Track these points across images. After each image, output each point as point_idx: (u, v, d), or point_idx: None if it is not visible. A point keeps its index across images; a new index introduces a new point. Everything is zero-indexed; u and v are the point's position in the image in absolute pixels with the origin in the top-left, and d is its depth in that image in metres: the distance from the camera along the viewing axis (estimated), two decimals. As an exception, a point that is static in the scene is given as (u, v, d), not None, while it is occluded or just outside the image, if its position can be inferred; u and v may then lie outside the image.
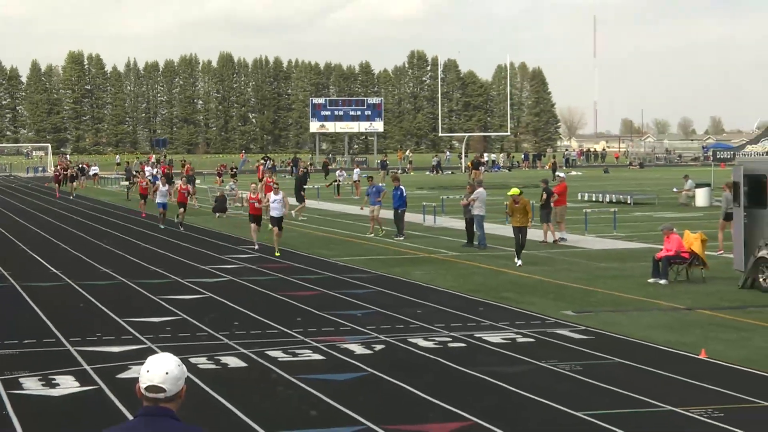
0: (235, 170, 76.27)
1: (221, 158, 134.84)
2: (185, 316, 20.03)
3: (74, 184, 70.68)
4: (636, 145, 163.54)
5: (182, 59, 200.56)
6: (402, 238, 34.98)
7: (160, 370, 5.30)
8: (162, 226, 40.78)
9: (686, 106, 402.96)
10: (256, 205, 33.30)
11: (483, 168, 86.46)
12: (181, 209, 41.51)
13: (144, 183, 51.39)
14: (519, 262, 27.78)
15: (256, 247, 32.49)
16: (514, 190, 29.17)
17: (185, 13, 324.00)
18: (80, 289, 23.99)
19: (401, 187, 36.80)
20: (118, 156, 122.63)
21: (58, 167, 76.45)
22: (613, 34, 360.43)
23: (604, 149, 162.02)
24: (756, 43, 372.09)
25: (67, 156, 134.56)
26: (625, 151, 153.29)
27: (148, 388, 5.30)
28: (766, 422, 12.08)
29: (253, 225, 33.28)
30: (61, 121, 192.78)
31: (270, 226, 32.83)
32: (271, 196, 32.89)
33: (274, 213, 32.15)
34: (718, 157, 65.48)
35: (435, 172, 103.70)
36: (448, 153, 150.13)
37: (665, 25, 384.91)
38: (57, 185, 71.08)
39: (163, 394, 5.29)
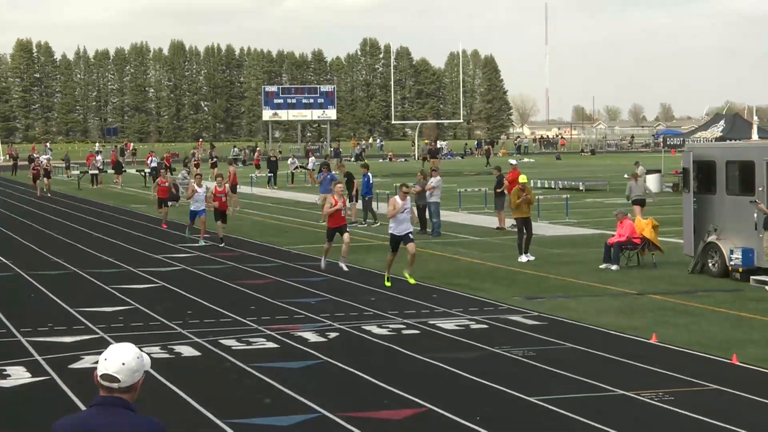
0: (192, 160, 73.75)
1: (173, 147, 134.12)
2: (138, 305, 19.93)
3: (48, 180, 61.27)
4: (588, 132, 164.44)
5: (133, 47, 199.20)
6: (378, 224, 34.90)
7: (116, 360, 5.30)
8: (202, 242, 30.78)
9: (637, 93, 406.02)
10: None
11: (440, 156, 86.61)
12: (220, 220, 31.88)
13: (166, 183, 39.60)
14: (525, 258, 25.93)
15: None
16: (523, 178, 28.71)
17: (135, 1, 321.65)
18: (31, 279, 23.79)
19: (369, 174, 36.88)
20: (97, 144, 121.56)
21: (35, 163, 64.27)
22: (564, 21, 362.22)
23: (556, 136, 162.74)
24: (704, 30, 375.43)
25: (14, 145, 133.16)
26: (560, 139, 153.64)
27: (103, 377, 5.30)
28: (715, 405, 12.23)
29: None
30: (9, 110, 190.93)
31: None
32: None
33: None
34: (668, 143, 65.94)
35: (357, 160, 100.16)
36: (379, 141, 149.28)
37: (616, 13, 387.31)
38: (35, 182, 59.35)
39: (117, 384, 5.28)
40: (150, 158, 68.93)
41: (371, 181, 36.78)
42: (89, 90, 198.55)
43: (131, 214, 42.89)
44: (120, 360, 5.30)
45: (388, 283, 22.04)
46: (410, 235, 22.25)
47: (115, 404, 5.28)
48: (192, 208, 31.48)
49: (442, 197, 34.43)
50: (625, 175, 57.30)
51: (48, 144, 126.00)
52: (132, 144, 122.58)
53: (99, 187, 63.06)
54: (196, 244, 30.23)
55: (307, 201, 47.76)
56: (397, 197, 22.71)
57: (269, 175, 61.33)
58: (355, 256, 27.15)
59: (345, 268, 23.84)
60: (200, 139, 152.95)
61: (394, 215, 22.18)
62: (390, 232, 22.50)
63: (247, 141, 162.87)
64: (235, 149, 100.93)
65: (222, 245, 29.84)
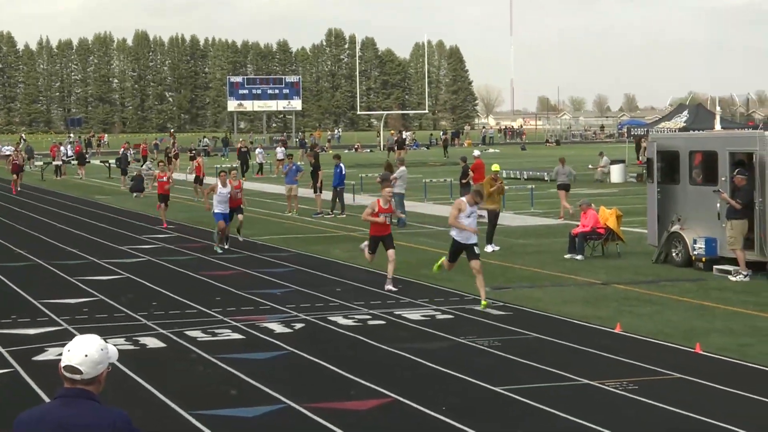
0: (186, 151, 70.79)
1: (137, 137, 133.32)
2: (102, 296, 19.84)
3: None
4: (552, 123, 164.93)
5: (96, 37, 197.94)
6: (344, 216, 34.91)
7: (79, 352, 5.28)
8: (219, 250, 26.88)
9: (601, 83, 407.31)
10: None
11: (406, 147, 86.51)
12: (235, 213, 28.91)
13: (165, 177, 34.95)
14: (491, 248, 25.80)
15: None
16: (496, 167, 28.66)
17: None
18: (-6, 271, 23.62)
19: (341, 164, 36.91)
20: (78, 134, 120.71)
21: (12, 155, 57.16)
22: (529, 12, 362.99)
23: (521, 126, 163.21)
24: (668, 22, 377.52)
25: None
26: (519, 129, 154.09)
27: (66, 368, 5.29)
28: (679, 393, 12.32)
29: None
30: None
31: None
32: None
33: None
34: (632, 133, 66.25)
35: (306, 151, 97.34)
36: (337, 132, 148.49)
37: (580, 4, 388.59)
38: (16, 177, 52.80)
39: (80, 376, 5.27)
40: (123, 149, 66.72)
41: (343, 172, 36.79)
42: (52, 80, 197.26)
43: (95, 206, 42.65)
44: (83, 352, 5.28)
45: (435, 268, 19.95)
46: (476, 248, 18.90)
47: (79, 396, 5.28)
48: (216, 211, 27.13)
49: (407, 188, 34.46)
50: (590, 166, 57.64)
51: (23, 135, 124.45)
52: (105, 135, 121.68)
53: (63, 178, 62.66)
54: (220, 251, 26.52)
55: (273, 192, 47.68)
56: (464, 199, 19.36)
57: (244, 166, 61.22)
58: (320, 246, 27.15)
59: (393, 288, 19.99)
60: (171, 130, 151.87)
61: (455, 223, 18.87)
62: (452, 236, 19.20)
63: (212, 132, 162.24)
64: (205, 140, 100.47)
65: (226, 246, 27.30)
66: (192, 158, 61.01)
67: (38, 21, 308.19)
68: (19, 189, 51.59)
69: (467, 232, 18.65)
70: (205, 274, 22.66)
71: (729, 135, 25.64)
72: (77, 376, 5.28)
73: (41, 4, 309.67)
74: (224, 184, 27.32)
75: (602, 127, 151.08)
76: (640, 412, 11.69)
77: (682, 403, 11.85)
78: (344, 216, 35.00)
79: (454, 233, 19.03)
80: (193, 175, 45.73)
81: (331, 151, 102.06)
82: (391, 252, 20.14)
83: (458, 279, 21.42)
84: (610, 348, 14.80)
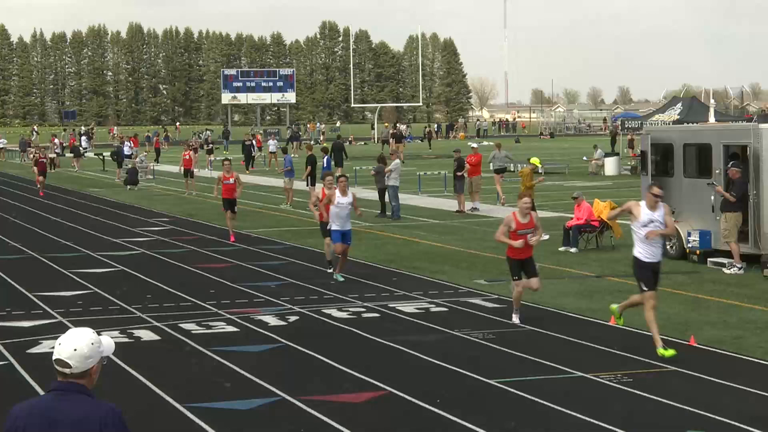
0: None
1: (132, 130, 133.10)
2: (97, 289, 19.82)
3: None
4: (546, 115, 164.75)
5: (90, 30, 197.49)
6: None
7: (69, 346, 5.29)
8: (341, 278, 20.68)
9: (595, 76, 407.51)
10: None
11: (404, 141, 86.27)
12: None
13: (232, 179, 27.93)
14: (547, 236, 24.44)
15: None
16: (536, 160, 28.77)
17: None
18: (-12, 264, 23.59)
19: (328, 157, 36.99)
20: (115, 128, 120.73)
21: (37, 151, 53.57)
22: (522, 5, 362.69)
23: (515, 119, 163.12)
24: (662, 14, 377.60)
25: None
26: (512, 122, 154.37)
27: (56, 362, 5.32)
28: (674, 386, 12.34)
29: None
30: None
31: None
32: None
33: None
34: (626, 126, 66.29)
35: (292, 143, 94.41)
36: (318, 125, 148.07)
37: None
38: (43, 178, 46.60)
39: (69, 370, 5.28)
40: (120, 141, 65.39)
41: (331, 165, 36.85)
42: (46, 73, 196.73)
43: (90, 198, 42.61)
44: (72, 346, 5.29)
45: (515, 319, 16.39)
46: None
47: (71, 390, 5.30)
48: (334, 228, 20.86)
49: (402, 181, 34.46)
50: (584, 158, 57.63)
51: (35, 128, 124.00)
52: (116, 129, 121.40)
53: (57, 170, 62.58)
54: (341, 279, 20.71)
55: (267, 185, 47.65)
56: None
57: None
58: (314, 239, 27.11)
59: (516, 321, 16.36)
60: (177, 123, 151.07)
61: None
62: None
63: (206, 124, 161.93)
64: (207, 132, 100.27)
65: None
66: (209, 152, 60.71)
67: (32, 13, 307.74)
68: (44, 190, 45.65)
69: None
70: (199, 267, 22.65)
71: (723, 128, 25.66)
72: (67, 370, 5.30)
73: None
74: (344, 193, 20.80)
75: (605, 120, 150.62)
76: (635, 404, 11.71)
77: (676, 395, 11.87)
78: None
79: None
80: (182, 169, 45.54)
81: (325, 144, 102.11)
82: (534, 281, 16.32)
83: (452, 272, 21.44)
84: (605, 340, 14.82)
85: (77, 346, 5.30)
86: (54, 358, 5.32)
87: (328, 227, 21.03)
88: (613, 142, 67.47)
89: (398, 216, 32.15)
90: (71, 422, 5.21)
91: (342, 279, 20.53)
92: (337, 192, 20.63)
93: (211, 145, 68.29)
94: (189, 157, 44.18)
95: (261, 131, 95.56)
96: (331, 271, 21.22)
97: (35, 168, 47.09)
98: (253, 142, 64.39)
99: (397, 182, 32.71)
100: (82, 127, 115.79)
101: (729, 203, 21.26)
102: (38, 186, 45.70)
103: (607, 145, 65.37)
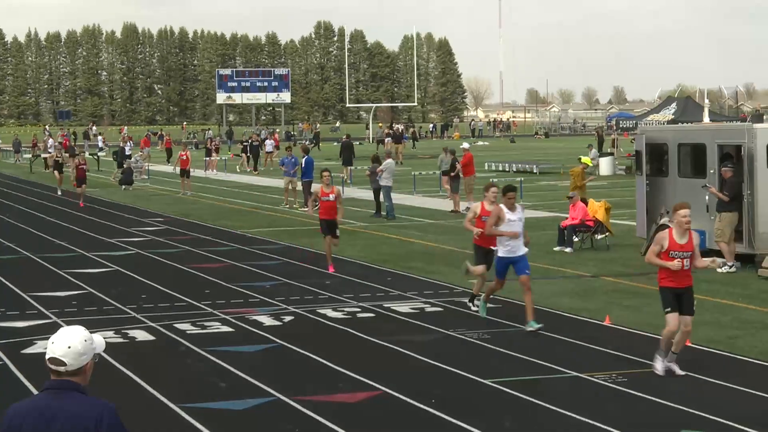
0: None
1: (145, 130, 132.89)
2: (91, 289, 19.81)
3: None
4: (541, 115, 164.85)
5: (85, 30, 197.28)
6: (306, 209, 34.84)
7: (63, 344, 5.31)
8: (483, 315, 16.78)
9: (590, 76, 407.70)
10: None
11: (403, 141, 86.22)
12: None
13: (332, 195, 21.94)
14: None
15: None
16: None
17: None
18: (-17, 264, 23.57)
19: (309, 156, 36.80)
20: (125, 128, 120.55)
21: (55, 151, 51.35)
22: (517, 5, 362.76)
23: (509, 119, 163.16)
24: (657, 13, 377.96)
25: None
26: (507, 122, 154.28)
27: (50, 360, 5.34)
28: (668, 386, 12.35)
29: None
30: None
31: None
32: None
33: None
34: (621, 126, 66.48)
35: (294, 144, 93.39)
36: (338, 125, 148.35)
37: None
38: (82, 187, 40.09)
39: (64, 368, 5.31)
40: (128, 143, 64.04)
41: (312, 165, 36.55)
42: (41, 73, 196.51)
43: (85, 198, 42.49)
44: (66, 344, 5.32)
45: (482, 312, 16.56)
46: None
47: (65, 387, 5.32)
48: (500, 255, 16.23)
49: (397, 181, 34.43)
50: (579, 158, 57.62)
51: (47, 127, 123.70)
52: (126, 129, 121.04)
53: (51, 170, 62.38)
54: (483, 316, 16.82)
55: (263, 185, 47.64)
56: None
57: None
58: (309, 239, 27.11)
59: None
60: (184, 122, 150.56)
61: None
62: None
63: (201, 124, 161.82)
64: (209, 132, 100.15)
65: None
66: (208, 152, 60.27)
67: (27, 14, 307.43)
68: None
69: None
70: (194, 267, 22.63)
71: (717, 127, 25.69)
72: (61, 368, 5.32)
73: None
74: (512, 209, 16.10)
75: (606, 121, 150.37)
76: (629, 404, 11.72)
77: (671, 395, 11.88)
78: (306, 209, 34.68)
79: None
80: (178, 169, 45.40)
81: (321, 143, 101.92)
82: (687, 319, 13.13)
83: (447, 272, 21.43)
84: (600, 340, 14.83)
85: (71, 343, 5.32)
86: (48, 357, 5.34)
87: (495, 253, 16.34)
88: (601, 142, 67.11)
89: (392, 216, 32.11)
90: (67, 419, 5.23)
91: (536, 327, 15.36)
92: (504, 207, 16.07)
93: (217, 142, 67.26)
94: (186, 157, 44.09)
95: (272, 130, 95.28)
96: (475, 304, 17.17)
97: (56, 171, 45.92)
98: (268, 141, 64.34)
99: (389, 182, 32.59)
100: (93, 127, 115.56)
101: (724, 203, 21.29)
102: (75, 192, 39.27)
103: (603, 145, 65.32)
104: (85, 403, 5.29)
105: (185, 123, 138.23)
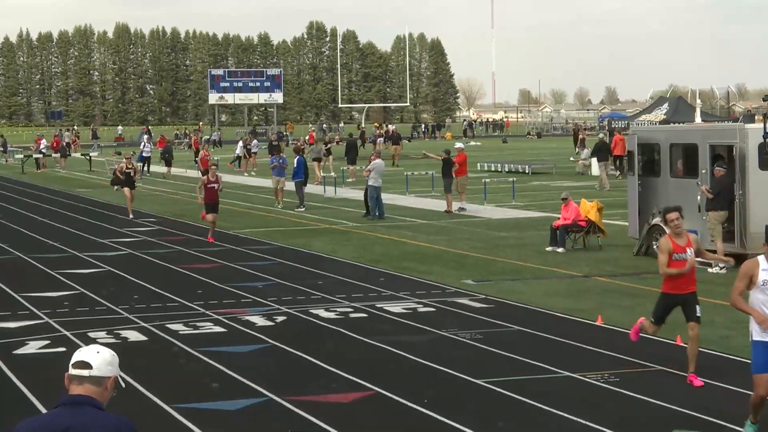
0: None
1: (119, 131, 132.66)
2: (83, 290, 19.78)
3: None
4: (534, 116, 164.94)
5: (77, 30, 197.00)
6: (303, 209, 34.88)
7: (91, 349, 5.30)
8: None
9: (582, 76, 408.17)
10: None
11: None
12: None
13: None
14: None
15: None
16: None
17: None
18: (-25, 265, 23.52)
19: (301, 156, 36.84)
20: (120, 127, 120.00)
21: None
22: (510, 5, 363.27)
23: (502, 119, 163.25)
24: (649, 14, 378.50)
25: None
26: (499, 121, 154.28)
27: (75, 365, 5.21)
28: (660, 385, 12.37)
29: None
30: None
31: None
32: None
33: None
34: (613, 126, 66.39)
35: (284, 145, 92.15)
36: (341, 126, 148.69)
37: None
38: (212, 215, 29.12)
39: (88, 372, 5.18)
40: (144, 144, 62.70)
41: (304, 164, 36.59)
42: (33, 73, 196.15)
43: (76, 199, 42.50)
44: (95, 349, 5.30)
45: None
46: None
47: (82, 403, 5.15)
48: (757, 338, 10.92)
49: (389, 181, 34.38)
50: (571, 158, 57.71)
51: (75, 127, 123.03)
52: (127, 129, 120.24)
53: (43, 171, 62.39)
54: None
55: (254, 185, 47.60)
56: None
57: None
58: (302, 239, 27.12)
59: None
60: (200, 122, 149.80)
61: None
62: (662, 291, 13.23)
63: (193, 124, 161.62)
64: (218, 132, 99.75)
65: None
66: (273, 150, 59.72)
67: (18, 14, 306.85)
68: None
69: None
70: (186, 268, 22.61)
71: (709, 128, 25.72)
72: (86, 372, 5.19)
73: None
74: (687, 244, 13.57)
75: (608, 121, 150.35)
76: (622, 403, 11.73)
77: (663, 394, 11.89)
78: (302, 210, 34.69)
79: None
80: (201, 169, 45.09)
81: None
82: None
83: (440, 272, 21.45)
84: (592, 340, 14.85)
85: (100, 350, 5.30)
86: (74, 361, 5.22)
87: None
88: (576, 141, 66.59)
89: (380, 215, 31.86)
90: None
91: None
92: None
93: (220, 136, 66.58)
94: (206, 158, 43.86)
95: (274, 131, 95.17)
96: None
97: (126, 189, 34.42)
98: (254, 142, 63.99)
99: (377, 182, 32.37)
100: (119, 128, 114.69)
101: (711, 202, 21.34)
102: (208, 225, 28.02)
103: (591, 145, 65.35)
104: (103, 419, 5.14)
105: (201, 123, 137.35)
